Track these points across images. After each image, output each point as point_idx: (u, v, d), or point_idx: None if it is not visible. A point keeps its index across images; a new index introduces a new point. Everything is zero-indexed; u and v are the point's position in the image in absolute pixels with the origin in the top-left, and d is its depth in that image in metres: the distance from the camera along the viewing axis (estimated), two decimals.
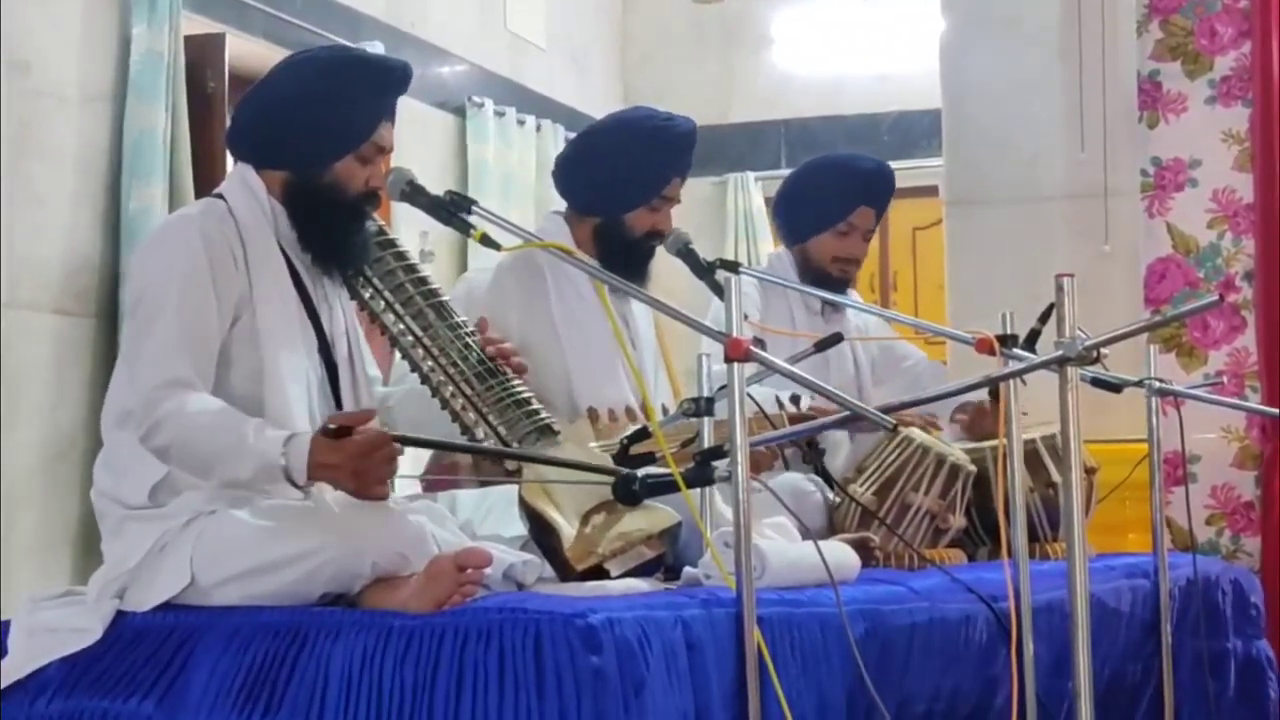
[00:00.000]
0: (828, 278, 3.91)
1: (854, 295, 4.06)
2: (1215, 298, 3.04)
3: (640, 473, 2.41)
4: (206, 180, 4.84)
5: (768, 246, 7.51)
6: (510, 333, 3.17)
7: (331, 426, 2.38)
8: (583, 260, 2.74)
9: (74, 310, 4.65)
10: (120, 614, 2.45)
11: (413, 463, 2.97)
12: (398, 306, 2.75)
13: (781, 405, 3.30)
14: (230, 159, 2.81)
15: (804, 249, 3.97)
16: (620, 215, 3.34)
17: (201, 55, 5.11)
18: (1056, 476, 3.59)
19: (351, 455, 2.36)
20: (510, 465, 2.67)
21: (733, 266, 3.24)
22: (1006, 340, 2.86)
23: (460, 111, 6.59)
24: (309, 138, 2.64)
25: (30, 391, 4.50)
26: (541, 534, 2.62)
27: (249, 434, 2.40)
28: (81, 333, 4.66)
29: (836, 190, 3.94)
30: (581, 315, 3.28)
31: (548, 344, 3.23)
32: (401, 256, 2.78)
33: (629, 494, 2.43)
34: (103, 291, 4.72)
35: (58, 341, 4.59)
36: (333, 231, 2.67)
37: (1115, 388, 3.24)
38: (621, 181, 3.34)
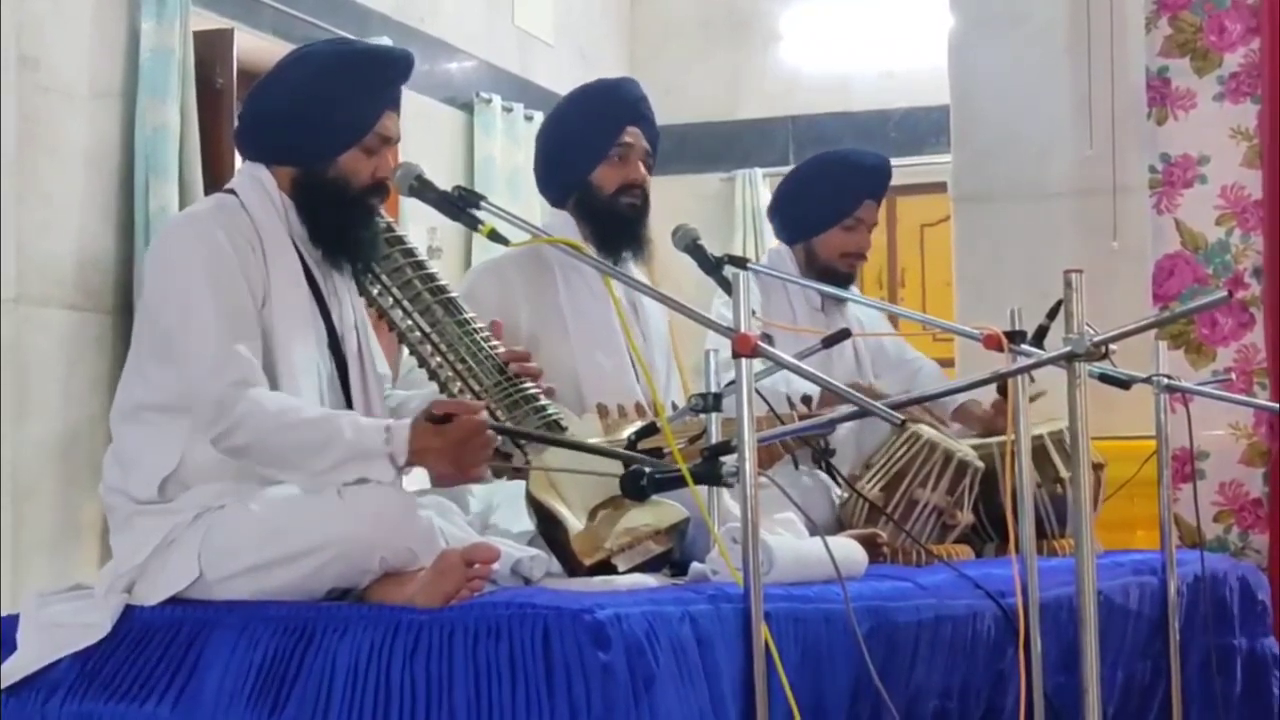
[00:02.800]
0: (835, 273, 3.91)
1: (853, 289, 4.06)
2: (1224, 294, 3.04)
3: (648, 468, 2.41)
4: (215, 177, 4.85)
5: (774, 243, 7.51)
6: (520, 327, 3.17)
7: (438, 413, 2.41)
8: (589, 256, 2.74)
9: (84, 306, 4.66)
10: (129, 609, 2.45)
11: None
12: (406, 303, 2.75)
13: (793, 405, 3.29)
14: (239, 157, 2.82)
15: (809, 245, 3.97)
16: (586, 180, 3.31)
17: (210, 51, 5.12)
18: (1064, 472, 3.59)
19: (453, 440, 2.41)
20: (517, 460, 2.67)
21: (741, 262, 3.24)
22: (1014, 336, 2.86)
23: (468, 107, 6.60)
24: (313, 132, 2.64)
25: (41, 386, 4.51)
26: (549, 529, 2.63)
27: (344, 427, 2.43)
28: (92, 328, 4.67)
29: (841, 185, 3.94)
30: (591, 310, 3.27)
31: (556, 338, 3.22)
32: (409, 253, 2.78)
33: (637, 489, 2.43)
34: (113, 287, 4.73)
35: (68, 337, 4.60)
36: (341, 225, 2.67)
37: (1123, 384, 3.24)
38: (572, 147, 3.32)
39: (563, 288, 3.28)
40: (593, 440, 2.72)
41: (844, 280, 3.92)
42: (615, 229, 3.28)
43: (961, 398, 3.88)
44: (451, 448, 2.42)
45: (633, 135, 3.32)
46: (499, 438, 2.50)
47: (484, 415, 2.45)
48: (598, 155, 3.30)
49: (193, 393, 2.47)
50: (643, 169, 3.33)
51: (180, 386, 2.50)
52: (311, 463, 2.43)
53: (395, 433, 2.43)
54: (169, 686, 2.35)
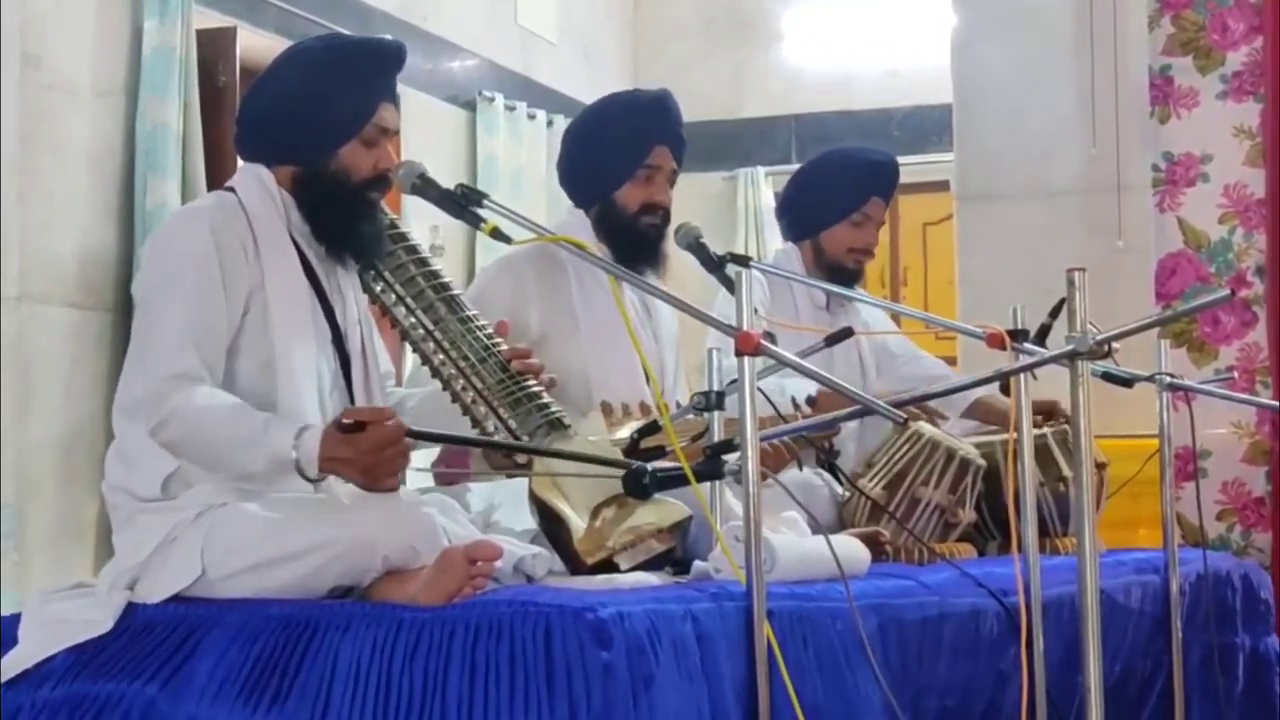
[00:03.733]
0: (843, 270, 3.91)
1: (857, 290, 4.06)
2: (1226, 293, 3.04)
3: (650, 466, 2.41)
4: (218, 175, 4.85)
5: (777, 241, 7.50)
6: (531, 325, 3.17)
7: (347, 421, 2.38)
8: (593, 254, 2.74)
9: (87, 304, 4.66)
10: (131, 606, 2.45)
11: (424, 456, 2.98)
12: (409, 300, 2.75)
13: (797, 405, 3.29)
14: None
15: (817, 243, 3.97)
16: (610, 196, 3.31)
17: (213, 49, 5.12)
18: (1067, 471, 3.59)
19: (364, 450, 2.37)
20: (521, 458, 2.67)
21: (743, 260, 3.24)
22: (1017, 335, 2.86)
23: (471, 106, 6.60)
24: (310, 128, 2.64)
25: (43, 384, 4.51)
26: (552, 527, 2.63)
27: (258, 428, 2.42)
28: (94, 326, 4.68)
29: (849, 181, 3.95)
30: (603, 309, 3.27)
31: (567, 336, 3.23)
32: (413, 250, 2.78)
33: (639, 488, 2.43)
34: (116, 285, 4.73)
35: (71, 335, 4.60)
36: (344, 219, 2.67)
37: (1126, 383, 3.24)
38: (600, 161, 3.32)
39: (575, 286, 3.28)
40: (594, 438, 2.72)
41: (851, 278, 3.92)
42: (634, 247, 3.29)
43: (972, 395, 3.87)
44: (362, 457, 2.37)
45: (662, 156, 3.32)
46: (416, 447, 2.44)
47: (397, 423, 2.40)
48: (625, 173, 3.30)
49: (141, 385, 2.48)
50: (667, 190, 3.34)
51: (135, 379, 2.50)
52: (235, 462, 2.43)
53: (304, 440, 2.40)
54: (160, 669, 2.34)
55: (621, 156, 3.30)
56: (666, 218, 3.34)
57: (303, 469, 2.40)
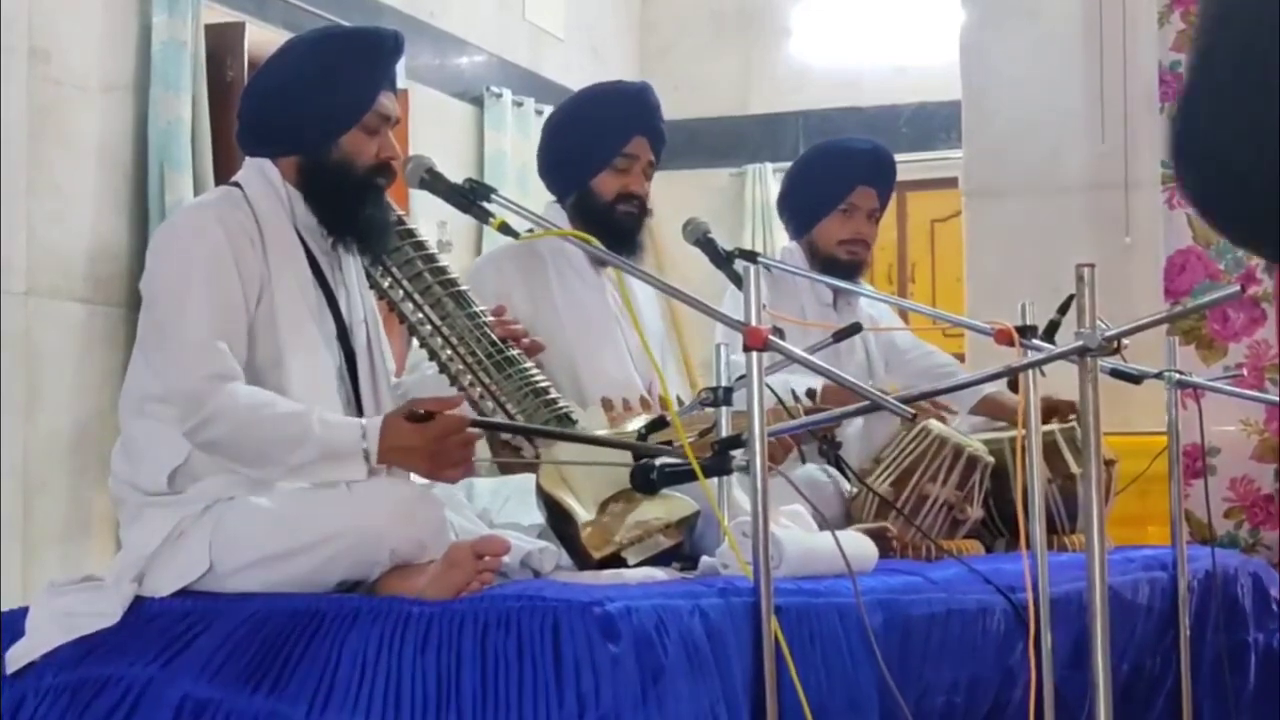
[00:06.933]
0: (837, 263, 3.89)
1: (865, 285, 4.04)
2: (1235, 289, 3.03)
3: (658, 461, 2.41)
4: (227, 169, 4.85)
5: (784, 238, 7.51)
6: (517, 318, 3.18)
7: (419, 411, 2.39)
8: (597, 246, 2.74)
9: (96, 299, 4.67)
10: (138, 599, 2.45)
11: None
12: (416, 295, 2.75)
13: (798, 398, 3.29)
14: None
15: (811, 239, 3.96)
16: (587, 184, 3.32)
17: (221, 44, 5.13)
18: (1075, 468, 3.58)
19: (430, 438, 2.39)
20: (527, 454, 2.67)
21: (751, 256, 3.23)
22: (1025, 331, 2.86)
23: (478, 101, 6.60)
24: (311, 118, 2.64)
25: (52, 379, 4.52)
26: (559, 522, 2.63)
27: (314, 423, 2.42)
28: (103, 321, 4.68)
29: (833, 172, 3.94)
30: (585, 302, 3.29)
31: (551, 329, 3.23)
32: (420, 246, 2.78)
33: (647, 483, 2.43)
34: (125, 280, 4.74)
35: (80, 329, 4.61)
36: (350, 206, 2.66)
37: (1135, 379, 3.23)
38: (578, 149, 3.33)
39: (555, 281, 3.30)
40: (600, 433, 2.72)
41: (849, 271, 3.90)
42: (610, 236, 3.28)
43: (984, 390, 3.86)
44: (429, 445, 2.39)
45: (639, 147, 3.33)
46: (481, 436, 2.46)
47: (464, 412, 2.42)
48: (601, 163, 3.31)
49: (171, 385, 2.47)
50: (644, 181, 3.34)
51: (163, 378, 2.50)
52: (285, 459, 2.43)
53: (369, 430, 2.41)
54: (162, 652, 2.35)
55: (600, 144, 3.31)
56: (643, 208, 3.34)
57: (370, 459, 2.40)
